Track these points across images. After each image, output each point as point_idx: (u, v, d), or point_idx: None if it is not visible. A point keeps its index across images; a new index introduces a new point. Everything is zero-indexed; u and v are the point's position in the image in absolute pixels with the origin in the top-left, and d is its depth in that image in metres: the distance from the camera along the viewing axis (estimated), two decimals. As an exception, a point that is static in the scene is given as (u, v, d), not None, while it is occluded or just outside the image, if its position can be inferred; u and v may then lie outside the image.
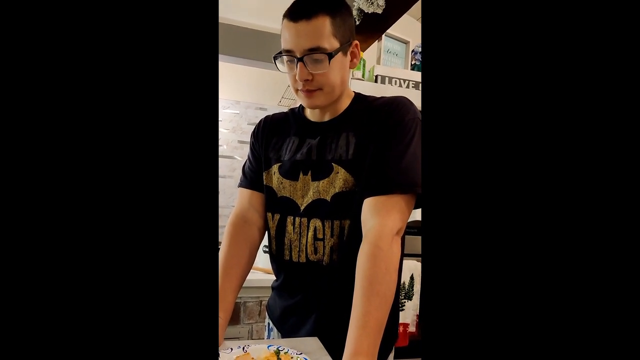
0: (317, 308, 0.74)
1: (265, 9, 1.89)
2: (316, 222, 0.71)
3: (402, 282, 1.56)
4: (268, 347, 0.63)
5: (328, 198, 0.70)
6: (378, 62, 1.98)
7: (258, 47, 1.72)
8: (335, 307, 0.71)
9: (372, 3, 1.57)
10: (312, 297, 0.75)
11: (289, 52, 0.67)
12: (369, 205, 0.66)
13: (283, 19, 0.68)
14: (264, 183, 0.79)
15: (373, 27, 1.79)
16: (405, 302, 1.56)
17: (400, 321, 1.54)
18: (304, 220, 0.72)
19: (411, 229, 1.46)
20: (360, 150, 0.69)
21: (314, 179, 0.72)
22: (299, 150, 0.75)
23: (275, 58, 0.71)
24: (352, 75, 1.78)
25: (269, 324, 0.88)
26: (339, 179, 0.70)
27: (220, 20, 1.77)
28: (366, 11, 1.61)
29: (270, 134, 0.81)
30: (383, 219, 0.63)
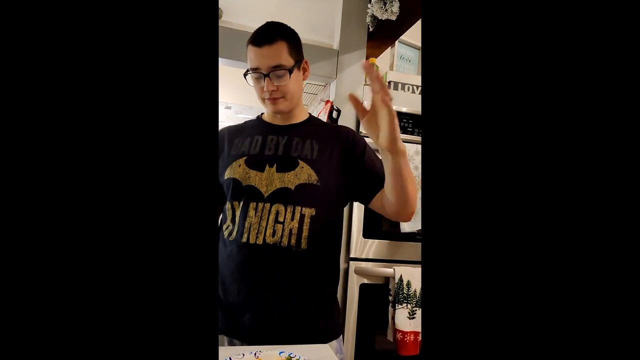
0: (276, 290, 0.80)
1: (260, 10, 1.89)
2: (279, 207, 0.82)
3: (413, 289, 1.55)
4: (280, 353, 0.63)
5: (292, 187, 0.83)
6: (391, 68, 1.98)
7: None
8: (292, 289, 0.80)
9: (386, 10, 1.58)
10: (269, 279, 0.80)
11: (256, 70, 0.85)
12: (381, 194, 0.86)
13: (248, 44, 0.86)
14: (227, 177, 0.87)
15: (386, 34, 1.79)
16: (416, 310, 1.54)
17: (412, 329, 1.52)
18: (267, 205, 0.83)
19: (420, 235, 1.45)
20: (322, 154, 0.87)
21: (278, 171, 0.85)
22: (265, 147, 0.89)
23: (245, 75, 0.89)
24: (365, 82, 1.78)
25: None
26: (304, 172, 0.84)
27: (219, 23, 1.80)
28: (380, 18, 1.61)
29: (232, 138, 0.94)
30: None
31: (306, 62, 0.91)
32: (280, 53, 0.84)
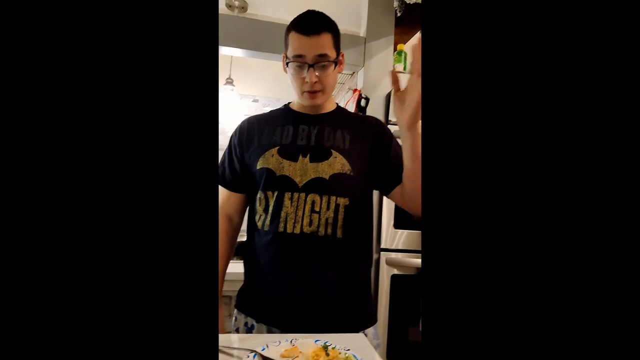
0: (313, 279, 0.81)
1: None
2: (314, 197, 0.82)
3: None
4: (315, 341, 0.64)
5: (327, 177, 0.83)
6: (420, 54, 1.92)
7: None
8: (329, 277, 0.81)
9: (415, -7, 1.53)
10: (307, 268, 0.81)
11: (299, 58, 0.83)
12: (401, 187, 0.86)
13: (290, 31, 0.84)
14: (260, 166, 0.86)
15: (415, 18, 1.74)
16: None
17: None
18: (302, 195, 0.82)
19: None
20: (353, 144, 0.87)
21: (312, 161, 0.85)
22: (297, 136, 0.88)
23: (287, 63, 0.87)
24: (393, 69, 1.74)
25: (246, 323, 0.86)
26: (337, 162, 0.84)
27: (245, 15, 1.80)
28: (408, 2, 1.56)
29: (262, 126, 0.92)
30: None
31: (343, 55, 0.91)
32: (327, 43, 0.83)
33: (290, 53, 0.84)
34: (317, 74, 0.83)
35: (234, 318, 0.89)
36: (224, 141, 2.79)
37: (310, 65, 0.82)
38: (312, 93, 0.86)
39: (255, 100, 2.69)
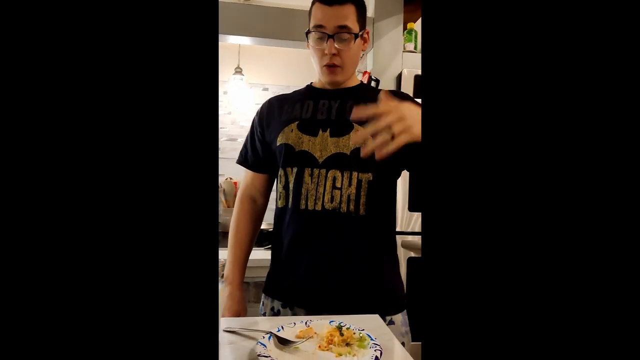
0: (337, 257, 0.79)
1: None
2: (335, 173, 0.80)
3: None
4: (330, 322, 0.64)
5: (348, 152, 0.80)
6: (431, 32, 1.87)
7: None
8: (353, 255, 0.79)
9: (423, -32, 1.48)
10: (329, 246, 0.80)
11: (320, 28, 0.81)
12: None
13: (314, 2, 0.83)
14: (279, 143, 0.85)
15: (425, -5, 1.68)
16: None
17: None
18: (323, 171, 0.81)
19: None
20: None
21: (332, 135, 0.82)
22: (317, 111, 0.85)
23: (307, 33, 0.84)
24: (404, 49, 1.70)
25: (273, 307, 0.86)
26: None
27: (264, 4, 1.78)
28: (417, -22, 1.52)
29: (281, 104, 0.91)
30: None
31: (367, 32, 0.87)
32: (349, 15, 0.80)
33: (311, 24, 0.82)
34: (336, 45, 0.80)
35: (261, 302, 0.90)
36: (235, 131, 2.78)
37: (330, 36, 0.80)
38: (331, 67, 0.82)
39: (265, 89, 2.68)
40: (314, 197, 0.80)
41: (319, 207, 0.79)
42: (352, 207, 0.79)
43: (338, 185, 0.79)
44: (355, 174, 0.80)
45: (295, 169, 0.82)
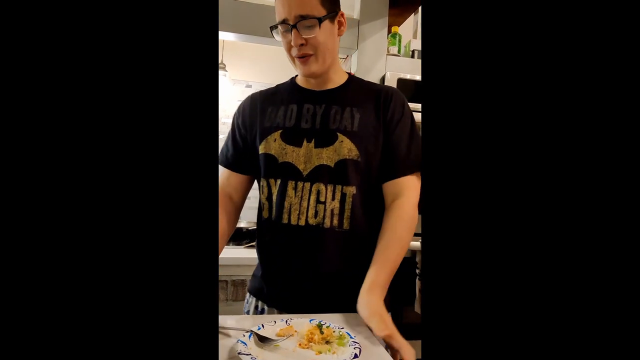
0: (316, 270, 0.78)
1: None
2: (319, 186, 0.78)
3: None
4: (310, 320, 0.65)
5: (332, 164, 0.78)
6: (415, 37, 1.91)
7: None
8: (336, 270, 0.78)
9: (409, -27, 1.50)
10: (313, 261, 0.78)
11: (283, 22, 0.77)
12: (395, 184, 0.80)
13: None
14: (262, 151, 0.82)
15: (409, 0, 1.71)
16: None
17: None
18: (307, 184, 0.78)
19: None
20: (364, 125, 0.79)
21: (317, 146, 0.78)
22: (301, 118, 0.81)
23: (272, 29, 0.80)
24: (388, 52, 1.72)
25: (257, 306, 0.86)
26: (344, 147, 0.78)
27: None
28: (402, -18, 1.54)
29: (265, 104, 0.86)
30: (408, 192, 0.80)
31: (342, 14, 0.81)
32: (309, 1, 0.75)
33: (277, 19, 0.78)
34: (302, 35, 0.75)
35: (245, 301, 0.89)
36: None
37: (293, 26, 0.75)
38: (302, 58, 0.78)
39: (249, 86, 2.66)
40: (297, 212, 0.78)
41: (302, 222, 0.77)
42: (335, 221, 0.77)
43: (322, 199, 0.77)
44: (339, 187, 0.77)
45: (278, 181, 0.80)
